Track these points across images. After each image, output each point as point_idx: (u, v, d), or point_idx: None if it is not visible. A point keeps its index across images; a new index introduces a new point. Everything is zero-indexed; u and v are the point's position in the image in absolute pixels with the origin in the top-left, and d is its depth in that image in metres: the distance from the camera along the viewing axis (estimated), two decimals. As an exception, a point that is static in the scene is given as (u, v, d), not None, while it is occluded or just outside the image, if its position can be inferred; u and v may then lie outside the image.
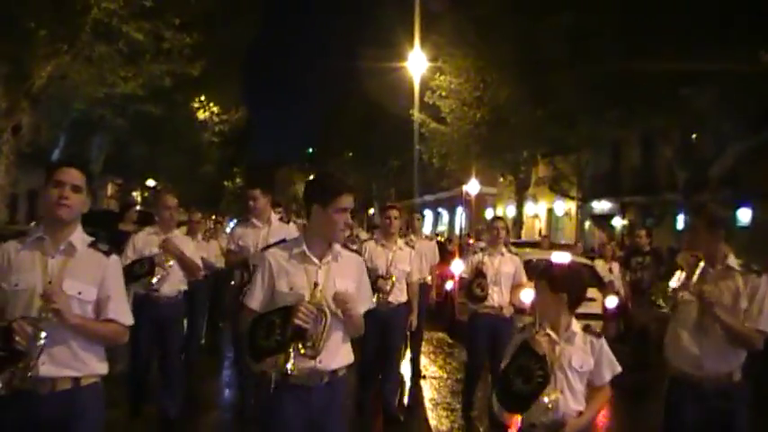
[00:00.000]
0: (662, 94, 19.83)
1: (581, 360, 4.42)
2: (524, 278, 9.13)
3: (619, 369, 4.57)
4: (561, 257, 13.18)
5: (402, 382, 10.26)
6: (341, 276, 4.42)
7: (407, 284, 8.79)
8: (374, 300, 7.70)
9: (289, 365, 4.14)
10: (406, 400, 10.08)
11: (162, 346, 8.02)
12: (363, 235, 13.72)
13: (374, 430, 8.64)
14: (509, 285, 8.84)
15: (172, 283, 7.96)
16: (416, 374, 11.47)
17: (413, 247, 9.35)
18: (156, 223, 8.29)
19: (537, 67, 22.85)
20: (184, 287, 8.28)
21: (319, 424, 4.34)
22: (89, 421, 3.99)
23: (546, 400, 4.26)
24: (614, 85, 20.37)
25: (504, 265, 8.85)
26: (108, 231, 11.00)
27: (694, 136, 24.56)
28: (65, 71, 17.70)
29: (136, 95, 20.44)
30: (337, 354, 4.39)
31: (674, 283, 5.30)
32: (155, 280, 7.75)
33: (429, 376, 11.67)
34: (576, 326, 4.49)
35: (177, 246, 7.92)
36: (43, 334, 3.72)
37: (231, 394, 10.00)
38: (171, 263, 7.83)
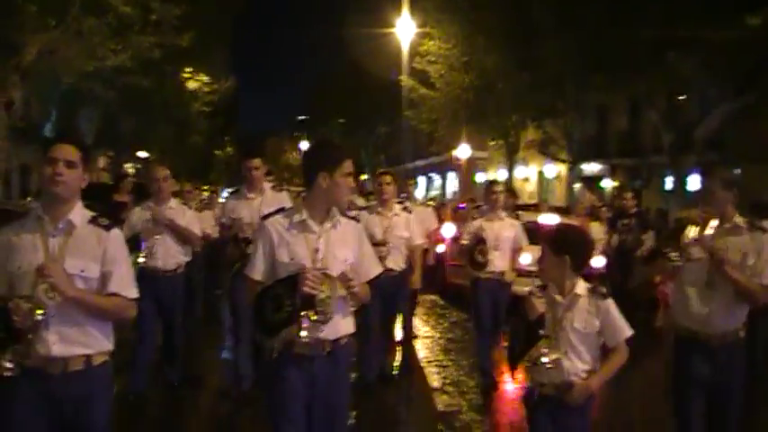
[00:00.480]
0: (647, 59, 20.05)
1: (584, 321, 4.45)
2: (525, 242, 9.17)
3: (629, 331, 4.55)
4: (549, 219, 13.50)
5: (395, 343, 10.25)
6: (341, 244, 4.42)
7: (410, 250, 8.71)
8: None
9: (303, 334, 4.14)
10: (398, 361, 10.02)
11: (164, 318, 8.03)
12: (360, 202, 13.56)
13: (383, 409, 8.41)
14: (510, 250, 8.82)
15: (167, 256, 7.89)
16: (409, 336, 11.08)
17: (410, 212, 9.10)
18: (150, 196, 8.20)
19: (523, 34, 23.01)
20: (185, 259, 8.18)
21: (322, 393, 4.35)
22: (101, 400, 4.02)
23: (545, 360, 4.31)
24: (599, 51, 20.57)
25: (504, 230, 8.82)
26: (103, 203, 11.06)
27: (682, 97, 24.80)
28: (54, 45, 17.75)
29: (125, 68, 20.44)
30: (339, 323, 4.37)
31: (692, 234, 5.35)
32: (140, 259, 7.67)
33: (421, 336, 11.82)
34: (582, 288, 4.51)
35: (168, 218, 7.90)
36: (40, 311, 3.72)
37: (229, 365, 9.65)
38: (157, 236, 7.79)
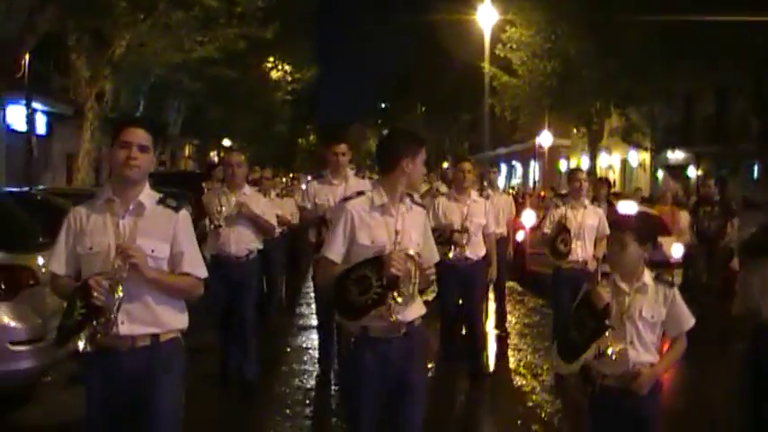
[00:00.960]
0: (733, 43, 19.69)
1: (652, 310, 4.34)
2: (608, 230, 8.92)
3: (693, 321, 4.48)
4: (627, 207, 13.42)
5: (486, 338, 10.05)
6: (414, 227, 4.44)
7: (484, 236, 8.43)
8: (451, 254, 7.98)
9: (395, 317, 4.18)
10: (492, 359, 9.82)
11: (236, 309, 7.81)
12: (443, 188, 13.10)
13: (458, 388, 8.40)
14: (593, 238, 8.52)
15: (239, 242, 7.73)
16: (502, 329, 11.21)
17: (487, 198, 9.01)
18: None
19: (605, 20, 22.80)
20: (257, 246, 7.99)
21: (400, 375, 4.36)
22: (171, 375, 4.02)
23: (610, 351, 4.16)
24: (683, 38, 20.27)
25: (587, 218, 8.53)
26: (194, 191, 11.34)
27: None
28: (143, 39, 18.42)
29: (212, 59, 21.07)
30: (412, 305, 4.35)
31: None
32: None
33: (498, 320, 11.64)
34: (648, 276, 4.41)
35: (249, 207, 7.74)
36: (120, 287, 3.74)
37: (311, 355, 9.57)
38: (221, 223, 7.62)
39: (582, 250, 8.48)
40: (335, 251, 4.36)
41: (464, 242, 8.12)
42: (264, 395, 7.92)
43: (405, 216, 4.42)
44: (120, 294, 3.73)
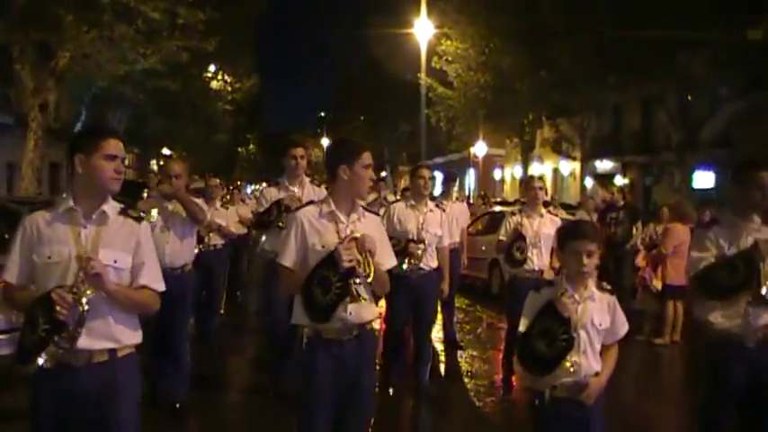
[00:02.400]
0: (658, 59, 20.71)
1: (600, 318, 4.39)
2: (667, 249, 9.08)
3: (627, 327, 4.56)
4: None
5: (435, 354, 9.91)
6: (366, 232, 4.46)
7: (438, 249, 8.20)
8: (405, 266, 7.74)
9: (349, 310, 4.35)
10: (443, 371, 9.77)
11: (170, 325, 7.21)
12: (391, 197, 13.42)
13: (405, 406, 8.21)
14: (549, 247, 8.20)
15: (173, 253, 7.31)
16: (452, 345, 11.02)
17: (444, 210, 8.66)
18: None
19: (537, 35, 23.71)
20: (192, 257, 7.67)
21: (352, 376, 4.45)
22: (129, 391, 3.94)
23: (568, 363, 4.23)
24: (611, 53, 21.22)
25: (543, 227, 8.30)
26: (134, 199, 11.51)
27: (690, 98, 25.45)
28: (87, 51, 18.69)
29: (154, 71, 21.40)
30: (366, 307, 4.50)
31: None
32: None
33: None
34: (592, 284, 4.46)
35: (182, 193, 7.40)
36: (84, 300, 3.63)
37: (254, 369, 9.47)
38: (153, 216, 7.03)
39: (538, 259, 8.23)
40: (289, 258, 4.49)
41: (419, 252, 7.92)
42: (199, 416, 7.56)
43: (356, 224, 4.52)
44: (86, 308, 3.63)
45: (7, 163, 25.44)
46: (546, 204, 9.92)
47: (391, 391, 8.28)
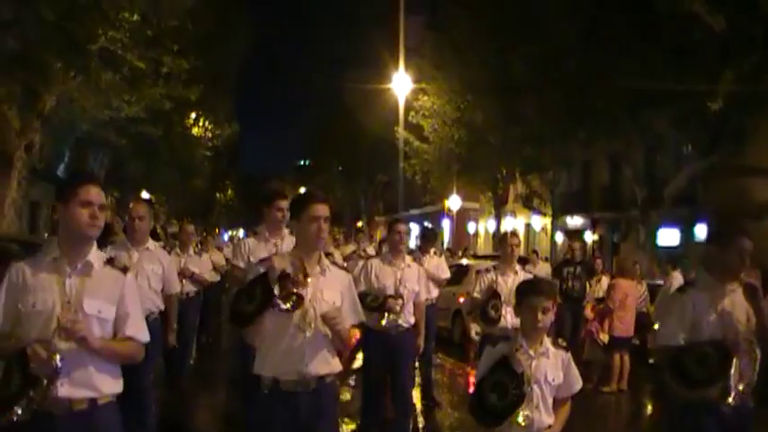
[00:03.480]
0: (624, 115, 21.50)
1: (553, 374, 4.47)
2: (613, 303, 9.18)
3: (581, 383, 4.67)
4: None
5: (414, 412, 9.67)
6: (328, 289, 4.54)
7: (414, 304, 8.07)
8: (384, 321, 7.67)
9: (281, 303, 4.29)
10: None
11: (133, 377, 6.62)
12: (370, 250, 13.51)
13: None
14: None
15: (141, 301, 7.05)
16: (430, 399, 10.78)
17: (421, 265, 8.64)
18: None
19: (507, 92, 24.52)
20: (159, 306, 7.34)
21: (306, 427, 4.45)
22: None
23: (521, 417, 4.30)
24: (578, 110, 22.01)
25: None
26: (101, 244, 11.14)
27: (654, 155, 26.23)
28: (73, 95, 19.25)
29: (137, 117, 21.95)
30: (324, 360, 4.51)
31: None
32: None
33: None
34: (547, 341, 4.54)
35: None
36: (59, 357, 3.62)
37: (223, 420, 9.41)
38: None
39: (512, 316, 7.55)
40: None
41: (398, 308, 7.75)
42: None
43: (318, 278, 4.52)
44: (59, 364, 3.62)
45: (-12, 202, 25.65)
46: (521, 261, 9.87)
47: None
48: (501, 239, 8.97)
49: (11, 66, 17.06)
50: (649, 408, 12.27)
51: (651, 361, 12.93)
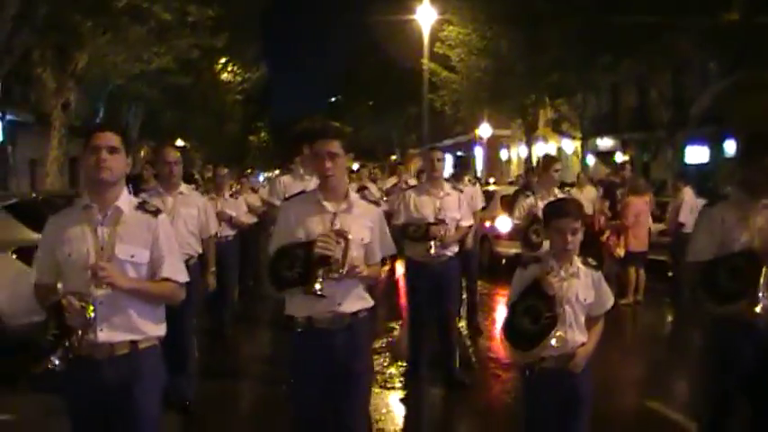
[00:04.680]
0: (644, 40, 21.57)
1: (585, 294, 4.47)
2: (627, 221, 9.12)
3: (612, 301, 4.69)
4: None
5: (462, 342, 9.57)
6: (356, 225, 4.48)
7: (458, 229, 7.96)
8: (432, 250, 7.55)
9: (317, 286, 4.28)
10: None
11: (171, 320, 7.05)
12: (412, 181, 13.14)
13: (434, 397, 7.88)
14: None
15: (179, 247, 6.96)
16: (474, 326, 10.74)
17: (461, 191, 8.32)
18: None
19: (529, 21, 24.58)
20: (198, 249, 7.28)
21: (342, 365, 4.46)
22: (149, 383, 3.97)
23: (554, 339, 4.31)
24: (600, 36, 22.08)
25: None
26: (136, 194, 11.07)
27: (682, 78, 26.25)
28: (104, 51, 19.86)
29: (167, 68, 22.55)
30: (356, 297, 4.53)
31: None
32: None
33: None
34: (577, 260, 4.53)
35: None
36: (92, 308, 3.70)
37: (267, 363, 9.26)
38: None
39: None
40: (277, 246, 4.52)
41: (442, 233, 7.63)
42: (211, 412, 7.34)
43: (344, 215, 4.48)
44: (92, 315, 3.70)
45: (30, 160, 26.48)
46: (561, 186, 9.81)
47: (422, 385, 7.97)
48: (542, 164, 8.66)
49: (43, 30, 17.54)
50: (665, 318, 12.89)
51: (670, 274, 13.60)
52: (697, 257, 4.85)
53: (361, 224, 4.53)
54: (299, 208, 4.56)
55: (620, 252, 12.54)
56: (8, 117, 24.39)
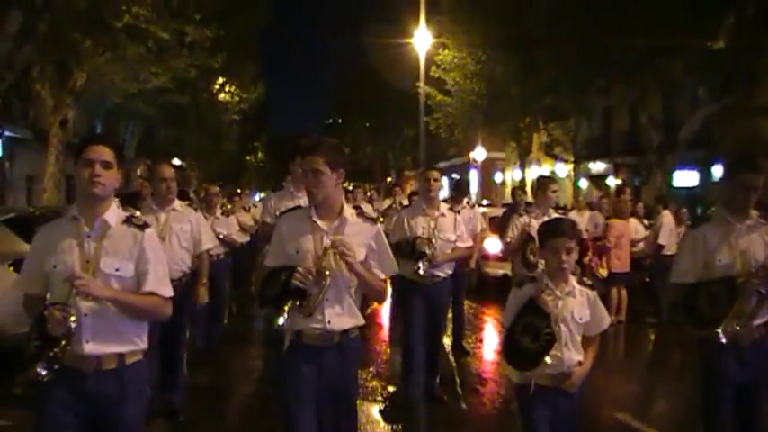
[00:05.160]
0: (637, 65, 21.95)
1: (580, 312, 4.52)
2: (609, 242, 8.90)
3: (609, 320, 4.78)
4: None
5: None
6: (352, 239, 4.43)
7: (453, 252, 7.91)
8: (421, 271, 7.44)
9: (281, 319, 4.38)
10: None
11: (166, 332, 6.90)
12: (406, 203, 13.15)
13: (417, 414, 7.85)
14: None
15: (171, 263, 6.46)
16: (460, 348, 10.83)
17: (458, 212, 8.31)
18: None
19: (523, 45, 24.93)
20: (189, 267, 7.32)
21: (330, 383, 4.45)
22: (134, 399, 3.99)
23: (548, 357, 4.37)
24: (593, 61, 22.46)
25: None
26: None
27: (673, 103, 26.69)
28: (102, 71, 20.17)
29: (164, 87, 22.83)
30: (347, 315, 4.48)
31: None
32: None
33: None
34: (573, 279, 4.59)
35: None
36: (73, 317, 3.71)
37: (256, 381, 9.32)
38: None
39: None
40: (271, 260, 4.59)
41: (431, 251, 7.53)
42: (200, 426, 7.47)
43: (338, 230, 4.45)
44: (73, 325, 3.70)
45: (27, 175, 26.73)
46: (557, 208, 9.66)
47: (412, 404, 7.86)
48: (539, 185, 8.56)
49: (43, 47, 17.79)
50: (645, 336, 13.15)
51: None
52: (680, 279, 4.97)
53: (355, 242, 4.43)
54: (292, 223, 4.55)
55: (603, 272, 12.81)
56: (6, 133, 24.66)
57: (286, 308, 4.33)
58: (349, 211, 4.55)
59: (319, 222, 4.44)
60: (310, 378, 4.42)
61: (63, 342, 3.68)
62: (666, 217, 13.18)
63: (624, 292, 13.02)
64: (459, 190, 11.30)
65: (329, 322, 4.39)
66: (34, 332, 3.73)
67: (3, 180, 24.34)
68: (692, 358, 5.17)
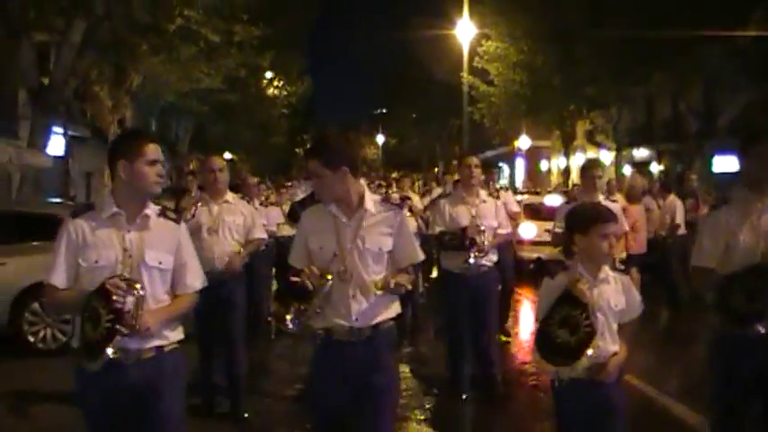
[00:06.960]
0: (676, 54, 22.38)
1: (616, 300, 4.30)
2: (626, 226, 8.49)
3: (642, 305, 4.48)
4: (553, 200, 16.04)
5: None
6: (371, 234, 4.30)
7: (495, 238, 7.56)
8: (471, 259, 7.20)
9: (287, 318, 4.26)
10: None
11: (224, 330, 6.99)
12: (439, 190, 12.99)
13: (468, 410, 7.60)
14: None
15: (222, 257, 6.86)
16: (506, 334, 10.59)
17: (498, 197, 8.09)
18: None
19: (564, 37, 25.39)
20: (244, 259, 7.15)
21: (363, 376, 4.26)
22: (173, 387, 4.01)
23: (590, 350, 4.07)
24: (632, 50, 22.89)
25: None
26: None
27: (713, 90, 26.97)
28: (157, 71, 21.13)
29: (216, 89, 23.81)
30: (375, 310, 4.29)
31: None
32: None
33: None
34: (605, 266, 4.36)
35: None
36: (138, 285, 3.73)
37: (299, 376, 8.42)
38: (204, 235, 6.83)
39: None
40: (296, 258, 4.42)
41: (481, 239, 7.25)
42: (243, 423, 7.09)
43: (360, 222, 4.29)
44: (141, 291, 3.73)
45: (85, 172, 27.84)
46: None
47: (464, 397, 7.65)
48: (583, 169, 8.26)
49: (103, 52, 18.72)
50: (659, 317, 13.21)
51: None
52: (701, 262, 4.77)
53: (377, 232, 4.31)
54: (314, 220, 4.42)
55: (622, 255, 13.35)
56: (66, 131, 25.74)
57: (291, 308, 4.22)
58: (370, 200, 4.35)
59: (340, 217, 4.29)
60: (340, 376, 4.26)
61: (131, 315, 3.69)
62: (673, 202, 13.62)
63: (638, 274, 13.40)
64: (488, 178, 10.69)
65: (356, 320, 4.23)
66: (101, 308, 3.67)
67: (66, 176, 25.32)
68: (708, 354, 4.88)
